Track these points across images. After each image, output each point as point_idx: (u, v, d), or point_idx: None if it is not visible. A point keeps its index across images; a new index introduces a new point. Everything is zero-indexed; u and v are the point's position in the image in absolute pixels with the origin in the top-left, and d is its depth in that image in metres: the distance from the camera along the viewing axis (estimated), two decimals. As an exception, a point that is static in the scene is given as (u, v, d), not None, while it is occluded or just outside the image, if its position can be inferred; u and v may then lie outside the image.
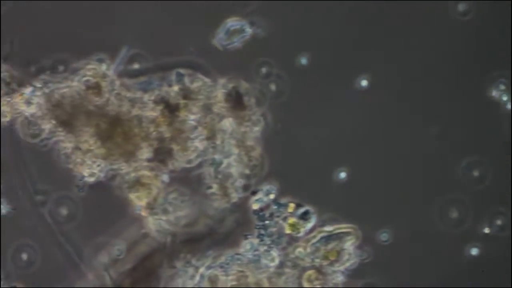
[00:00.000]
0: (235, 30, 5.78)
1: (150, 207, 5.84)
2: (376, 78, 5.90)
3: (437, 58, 5.90)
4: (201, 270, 5.90)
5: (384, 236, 5.89)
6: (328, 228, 5.87)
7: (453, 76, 5.92)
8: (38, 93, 5.76)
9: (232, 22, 5.79)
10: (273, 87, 5.81)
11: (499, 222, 5.90)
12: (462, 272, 5.90)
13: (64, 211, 5.91)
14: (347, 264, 5.87)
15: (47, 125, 5.78)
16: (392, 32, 5.88)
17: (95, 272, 5.93)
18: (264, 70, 5.81)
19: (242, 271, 5.90)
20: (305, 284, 5.89)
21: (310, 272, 5.88)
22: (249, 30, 5.77)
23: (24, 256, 5.93)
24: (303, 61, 5.85)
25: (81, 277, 5.94)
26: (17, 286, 5.93)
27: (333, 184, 5.90)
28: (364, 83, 5.89)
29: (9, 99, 5.76)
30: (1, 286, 5.90)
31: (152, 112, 5.77)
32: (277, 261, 5.88)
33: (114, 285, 5.92)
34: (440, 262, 5.90)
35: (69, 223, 5.93)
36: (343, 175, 5.89)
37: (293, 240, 5.87)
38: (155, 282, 5.92)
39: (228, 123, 5.79)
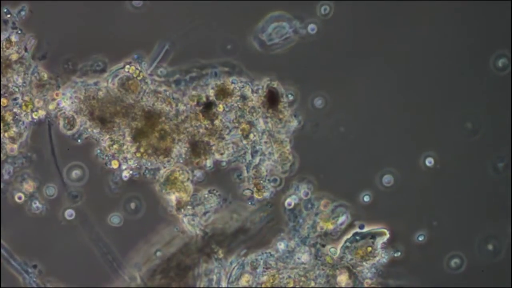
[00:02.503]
0: (275, 30, 5.86)
1: (184, 204, 5.88)
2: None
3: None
4: (233, 266, 5.93)
5: (421, 236, 5.98)
6: (360, 226, 5.95)
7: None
8: (76, 89, 5.81)
9: (272, 23, 5.87)
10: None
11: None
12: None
13: (98, 208, 5.93)
14: (377, 260, 5.91)
15: (83, 122, 5.81)
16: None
17: (128, 271, 5.94)
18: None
19: (273, 268, 5.93)
20: (337, 282, 5.94)
21: (342, 272, 5.91)
22: (289, 30, 5.86)
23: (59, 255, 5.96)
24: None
25: (118, 277, 5.96)
26: (49, 285, 5.92)
27: (365, 183, 6.01)
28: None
29: (45, 95, 5.81)
30: (37, 287, 5.91)
31: (188, 109, 5.83)
32: (308, 258, 5.93)
33: (145, 285, 5.92)
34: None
35: (102, 220, 5.95)
36: (367, 198, 5.98)
37: (324, 236, 5.93)
38: (188, 279, 5.93)
39: (262, 121, 5.87)
